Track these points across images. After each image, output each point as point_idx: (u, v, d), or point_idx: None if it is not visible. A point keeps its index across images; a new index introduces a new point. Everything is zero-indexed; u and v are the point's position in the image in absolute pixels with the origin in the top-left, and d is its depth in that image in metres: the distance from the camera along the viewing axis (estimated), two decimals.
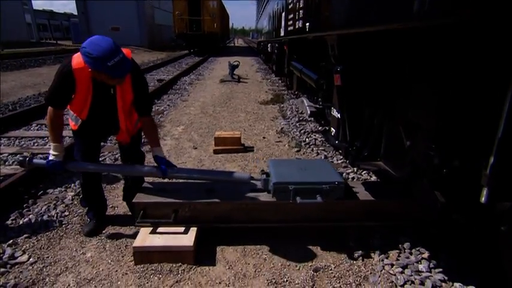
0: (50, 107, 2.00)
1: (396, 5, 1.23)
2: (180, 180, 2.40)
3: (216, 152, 3.84)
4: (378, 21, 1.39)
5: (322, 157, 3.75)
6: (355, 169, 3.20)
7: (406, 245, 2.13)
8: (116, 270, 1.93)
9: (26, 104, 6.27)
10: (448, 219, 2.03)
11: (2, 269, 1.90)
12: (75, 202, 2.66)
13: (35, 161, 2.16)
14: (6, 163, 3.46)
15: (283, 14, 4.29)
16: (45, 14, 51.44)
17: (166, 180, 2.34)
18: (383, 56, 1.78)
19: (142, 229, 2.09)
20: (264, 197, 2.18)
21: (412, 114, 1.51)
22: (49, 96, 1.99)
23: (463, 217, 1.51)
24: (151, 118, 2.23)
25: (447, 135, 1.31)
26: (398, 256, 2.05)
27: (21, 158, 2.15)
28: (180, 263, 1.96)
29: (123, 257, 2.05)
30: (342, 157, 3.70)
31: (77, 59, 1.88)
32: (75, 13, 32.46)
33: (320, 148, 4.03)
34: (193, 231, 2.07)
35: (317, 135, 4.54)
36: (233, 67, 10.05)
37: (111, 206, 2.60)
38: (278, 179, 2.04)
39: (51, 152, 2.06)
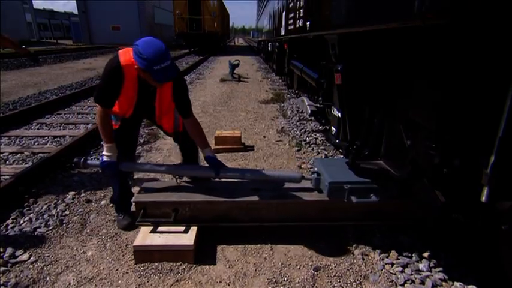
0: (99, 108, 2.02)
1: (396, 3, 1.23)
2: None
3: (216, 151, 3.84)
4: (378, 20, 1.39)
5: (323, 156, 3.75)
6: None
7: (407, 244, 2.13)
8: (117, 269, 1.93)
9: (26, 103, 6.28)
10: (448, 218, 2.03)
11: (3, 268, 1.90)
12: (76, 201, 2.66)
13: (89, 162, 2.19)
14: (7, 162, 3.46)
15: (284, 13, 4.29)
16: (45, 13, 51.47)
17: (167, 179, 2.35)
18: (383, 54, 1.78)
19: (142, 228, 2.09)
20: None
21: (413, 113, 1.51)
22: (99, 95, 2.01)
23: (463, 216, 1.51)
24: (194, 119, 2.24)
25: (447, 134, 1.31)
26: (399, 255, 2.05)
27: (76, 159, 2.16)
28: (180, 262, 1.96)
29: (123, 256, 2.05)
30: (342, 156, 3.70)
31: (124, 56, 1.92)
32: (76, 12, 32.52)
33: (320, 147, 4.03)
34: (193, 230, 2.08)
35: (317, 134, 4.54)
36: (233, 66, 10.04)
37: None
38: (333, 179, 2.04)
39: (105, 153, 2.07)
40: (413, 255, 2.05)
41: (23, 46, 2.64)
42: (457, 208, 1.47)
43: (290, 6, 3.55)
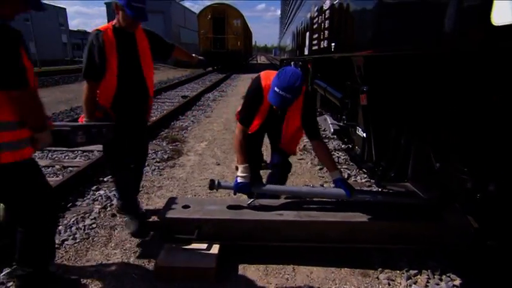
0: (239, 127, 2.17)
1: (424, 27, 1.22)
2: (204, 196, 2.42)
3: (237, 168, 3.85)
4: (406, 42, 1.38)
5: (346, 176, 3.68)
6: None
7: (436, 270, 2.03)
8: (139, 285, 1.94)
9: (59, 118, 6.59)
10: (482, 246, 1.93)
11: None
12: (102, 215, 2.73)
13: (223, 184, 2.28)
14: None
15: (307, 33, 4.34)
16: (79, 34, 54.49)
17: (190, 196, 2.38)
18: (412, 76, 1.75)
19: (165, 244, 2.11)
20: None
21: (444, 136, 1.47)
22: (242, 114, 2.19)
23: (499, 244, 1.43)
24: (323, 142, 2.28)
25: (481, 158, 1.26)
26: (427, 282, 1.95)
27: (210, 181, 2.25)
28: (202, 281, 1.95)
29: (147, 271, 2.06)
30: (365, 176, 3.62)
31: (265, 80, 2.13)
32: None
33: (343, 166, 3.96)
34: (215, 248, 2.07)
35: (340, 153, 4.48)
36: (248, 88, 10.14)
37: None
38: None
39: (240, 174, 2.15)
40: (442, 282, 1.94)
41: (193, 55, 2.87)
42: (492, 235, 1.40)
43: (314, 27, 3.60)
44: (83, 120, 2.20)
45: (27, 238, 1.62)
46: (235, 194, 2.30)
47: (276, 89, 1.91)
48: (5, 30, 1.28)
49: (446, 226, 2.05)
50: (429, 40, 1.17)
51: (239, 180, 2.11)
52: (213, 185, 2.23)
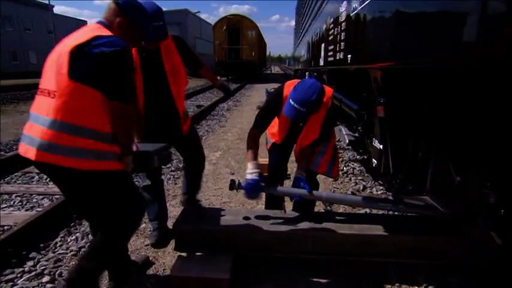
0: (252, 127, 2.23)
1: (442, 39, 1.21)
2: (218, 206, 2.42)
3: None
4: (425, 54, 1.37)
5: (361, 187, 3.63)
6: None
7: (456, 286, 1.96)
8: None
9: None
10: (505, 263, 1.86)
11: (50, 285, 2.00)
12: None
13: (243, 184, 2.21)
14: None
15: (323, 45, 4.35)
16: None
17: (204, 206, 2.38)
18: (432, 89, 1.73)
19: (179, 255, 2.11)
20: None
21: (465, 149, 1.44)
22: (259, 118, 2.22)
23: None
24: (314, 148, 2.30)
25: (505, 172, 1.23)
26: None
27: (231, 181, 2.18)
28: None
29: (161, 281, 2.07)
30: (381, 188, 3.56)
31: (287, 89, 2.11)
32: None
33: (358, 177, 3.91)
34: (229, 259, 2.06)
35: (355, 164, 4.43)
36: (270, 94, 10.21)
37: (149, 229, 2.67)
38: None
39: (249, 171, 2.09)
40: None
41: (218, 77, 2.94)
42: None
43: (330, 38, 3.61)
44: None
45: (107, 240, 1.67)
46: (247, 197, 2.14)
47: (291, 101, 1.87)
48: (129, 50, 1.50)
49: (468, 242, 1.99)
50: (449, 52, 1.15)
51: (248, 177, 2.04)
52: (234, 185, 2.17)
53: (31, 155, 1.42)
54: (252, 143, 2.14)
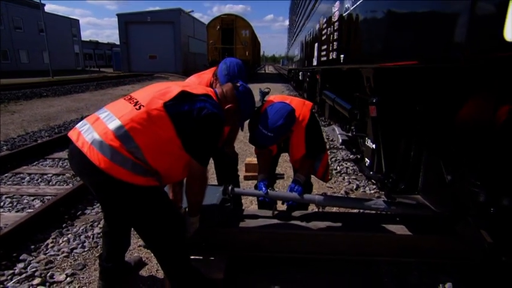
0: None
1: (434, 40, 1.22)
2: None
3: (246, 178, 3.86)
4: (416, 54, 1.38)
5: (354, 186, 3.65)
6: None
7: (448, 285, 1.98)
8: None
9: (70, 127, 6.70)
10: (496, 261, 1.88)
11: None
12: None
13: (236, 190, 2.28)
14: (50, 183, 3.66)
15: (316, 44, 4.37)
16: (91, 44, 55.83)
17: None
18: (423, 88, 1.74)
19: None
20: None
21: (456, 148, 1.45)
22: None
23: None
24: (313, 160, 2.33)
25: (495, 171, 1.24)
26: None
27: (223, 187, 2.22)
28: None
29: (154, 281, 2.06)
30: (374, 187, 3.59)
31: (296, 108, 2.09)
32: (118, 42, 35.01)
33: (352, 177, 3.94)
34: (223, 259, 2.06)
35: (348, 163, 4.45)
36: (264, 94, 10.18)
37: None
38: None
39: (260, 178, 2.24)
40: None
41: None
42: (507, 250, 1.37)
43: (323, 38, 3.62)
44: None
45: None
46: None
47: (259, 125, 1.91)
48: (222, 119, 1.58)
49: (459, 240, 2.01)
50: (439, 52, 1.16)
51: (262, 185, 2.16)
52: (226, 191, 2.19)
53: (81, 142, 1.40)
54: (259, 162, 2.36)
